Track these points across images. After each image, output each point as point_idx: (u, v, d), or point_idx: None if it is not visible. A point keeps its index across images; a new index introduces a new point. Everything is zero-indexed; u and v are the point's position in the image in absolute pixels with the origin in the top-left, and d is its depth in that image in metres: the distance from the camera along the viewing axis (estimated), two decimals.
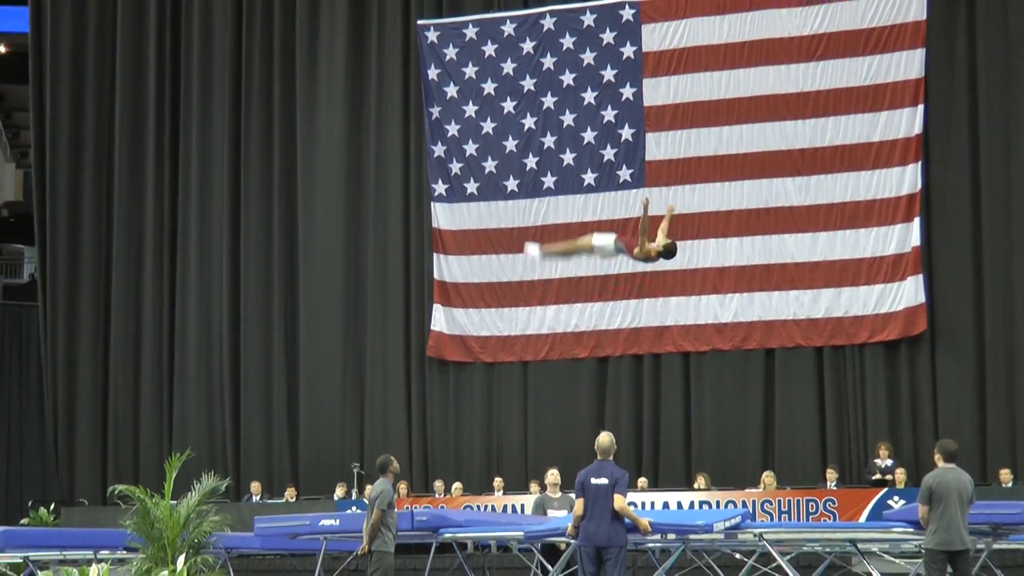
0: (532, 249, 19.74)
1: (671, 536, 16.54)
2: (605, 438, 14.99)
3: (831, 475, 24.98)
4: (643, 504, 23.15)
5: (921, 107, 26.37)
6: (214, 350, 30.73)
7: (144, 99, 31.62)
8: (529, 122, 28.79)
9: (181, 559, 14.82)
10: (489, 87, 29.02)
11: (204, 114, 31.24)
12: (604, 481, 14.64)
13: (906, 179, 26.39)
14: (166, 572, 14.69)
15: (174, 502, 15.53)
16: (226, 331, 30.59)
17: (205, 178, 31.13)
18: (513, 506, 24.81)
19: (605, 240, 16.94)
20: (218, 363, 30.63)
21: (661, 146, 27.75)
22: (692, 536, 16.42)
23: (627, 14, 28.12)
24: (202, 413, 30.57)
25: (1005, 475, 24.30)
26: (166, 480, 15.81)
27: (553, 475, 18.74)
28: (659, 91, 27.92)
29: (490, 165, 28.98)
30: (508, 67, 28.91)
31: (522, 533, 17.64)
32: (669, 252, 16.48)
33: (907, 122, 26.40)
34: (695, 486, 25.33)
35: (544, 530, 17.13)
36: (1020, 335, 26.01)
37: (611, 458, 14.88)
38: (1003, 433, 25.87)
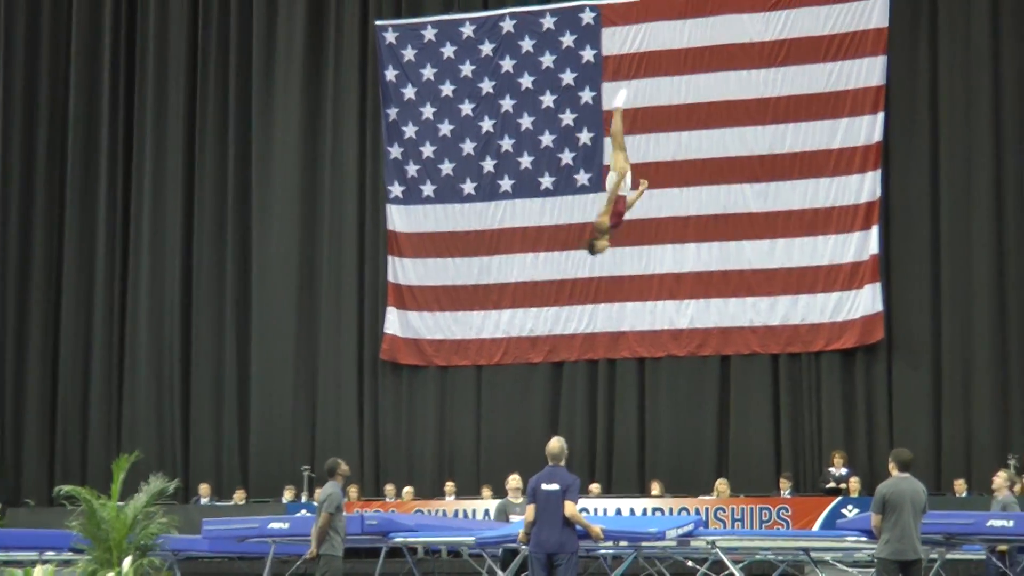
0: (622, 94, 19.10)
1: (623, 543, 16.45)
2: (555, 444, 14.77)
3: (785, 483, 24.93)
4: (595, 510, 22.99)
5: (881, 115, 26.33)
6: (165, 351, 30.46)
7: (98, 99, 31.31)
8: (487, 125, 28.62)
9: (127, 561, 14.61)
10: (447, 89, 28.84)
11: (158, 115, 30.94)
12: (555, 487, 14.44)
13: (865, 187, 26.33)
14: (112, 574, 14.50)
15: (121, 503, 15.34)
16: (177, 332, 30.35)
17: (159, 179, 30.82)
18: (464, 511, 24.66)
19: (621, 176, 16.45)
20: (168, 364, 30.37)
21: None
22: (644, 543, 16.36)
23: (587, 17, 28.00)
24: (151, 414, 30.27)
25: (959, 485, 24.25)
26: (113, 481, 15.60)
27: (515, 479, 18.48)
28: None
29: (447, 167, 28.79)
30: (467, 69, 28.74)
31: (472, 538, 17.49)
32: (592, 247, 16.29)
33: (867, 129, 26.35)
34: (652, 493, 25.20)
35: (496, 536, 16.95)
36: (977, 345, 25.98)
37: (562, 463, 14.70)
38: (958, 443, 25.84)
